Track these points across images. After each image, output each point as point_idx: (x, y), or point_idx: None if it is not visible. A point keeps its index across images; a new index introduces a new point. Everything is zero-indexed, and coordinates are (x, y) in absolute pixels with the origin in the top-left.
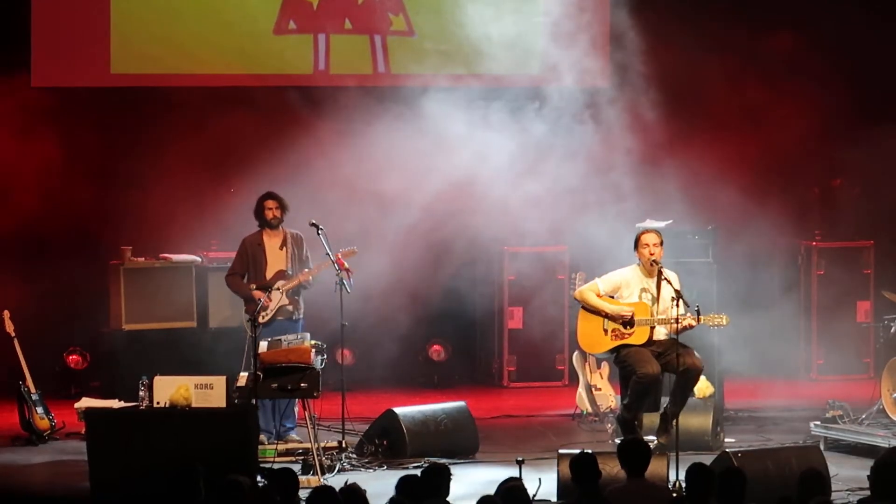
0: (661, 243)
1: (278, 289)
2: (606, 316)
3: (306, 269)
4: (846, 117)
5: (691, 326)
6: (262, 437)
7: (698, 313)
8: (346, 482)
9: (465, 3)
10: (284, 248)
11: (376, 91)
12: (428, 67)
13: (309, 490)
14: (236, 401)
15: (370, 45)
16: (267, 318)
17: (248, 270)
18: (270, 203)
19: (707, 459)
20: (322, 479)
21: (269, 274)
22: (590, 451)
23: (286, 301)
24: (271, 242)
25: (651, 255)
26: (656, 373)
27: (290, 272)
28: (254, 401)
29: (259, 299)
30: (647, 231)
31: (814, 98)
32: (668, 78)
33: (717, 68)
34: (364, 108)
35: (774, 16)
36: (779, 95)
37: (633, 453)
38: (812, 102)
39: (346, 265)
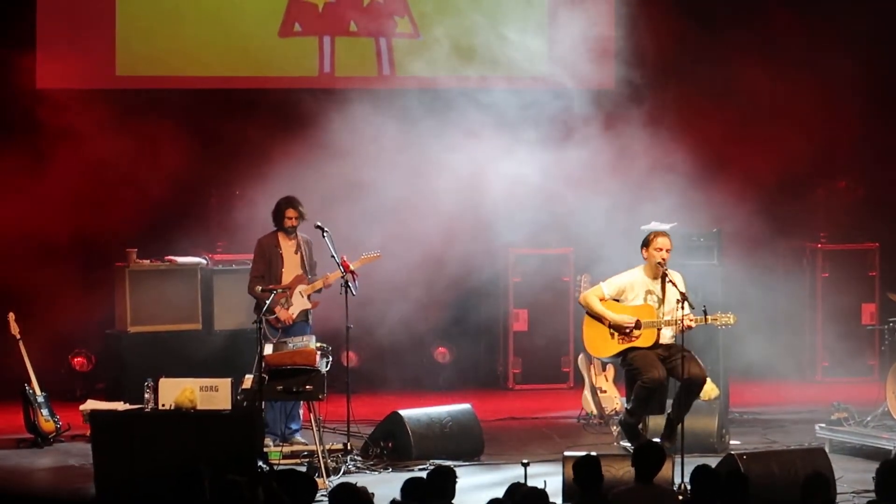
0: (672, 248)
1: (301, 293)
2: (610, 325)
3: (328, 273)
4: (851, 119)
5: (689, 328)
6: (268, 439)
7: (705, 313)
8: (355, 485)
9: (471, 5)
10: (299, 253)
11: (381, 93)
12: (433, 70)
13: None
14: (245, 403)
15: (375, 47)
16: (290, 324)
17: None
18: (291, 213)
19: (712, 462)
20: (327, 482)
21: (286, 276)
22: (594, 453)
23: (309, 304)
24: (286, 245)
25: (663, 259)
26: (662, 378)
27: (308, 276)
28: (263, 403)
29: (280, 317)
30: (661, 234)
31: (819, 99)
32: (673, 80)
33: (722, 70)
34: (369, 110)
35: (780, 16)
36: (784, 97)
37: (648, 458)
38: (817, 104)
39: (352, 268)
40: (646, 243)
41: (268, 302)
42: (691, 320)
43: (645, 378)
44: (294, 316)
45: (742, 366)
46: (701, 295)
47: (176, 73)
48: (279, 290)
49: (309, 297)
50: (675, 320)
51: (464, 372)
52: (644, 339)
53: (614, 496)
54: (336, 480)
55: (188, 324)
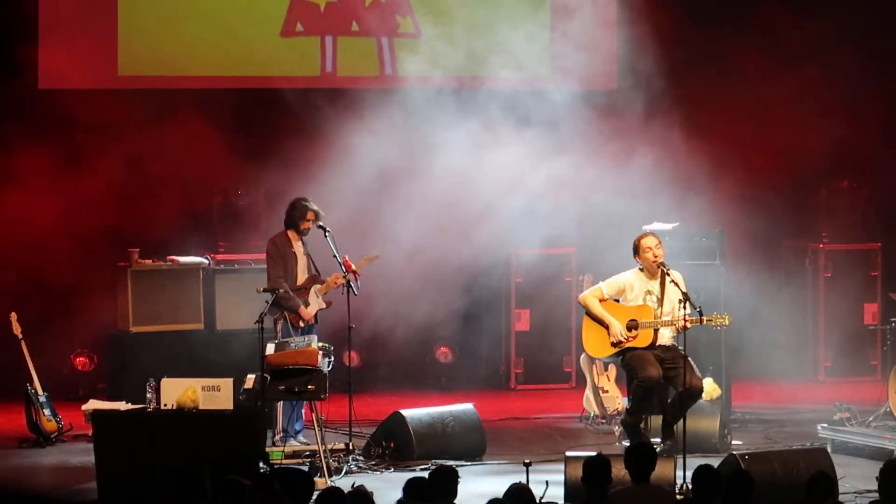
0: (660, 244)
1: (316, 293)
2: (607, 327)
3: (336, 273)
4: (855, 118)
5: (686, 328)
6: (293, 441)
7: (701, 314)
8: (353, 484)
9: (473, 5)
10: (306, 254)
11: (383, 93)
12: (435, 70)
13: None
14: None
15: (377, 47)
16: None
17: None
18: (311, 215)
19: (714, 462)
20: (329, 482)
21: (300, 277)
22: (605, 453)
23: (323, 304)
24: (297, 245)
25: (656, 257)
26: (657, 376)
27: (321, 277)
28: (279, 403)
29: (303, 317)
30: (645, 235)
31: (822, 99)
32: (675, 79)
33: (723, 69)
34: (371, 110)
35: (783, 15)
36: (786, 96)
37: (638, 458)
38: (820, 104)
39: (354, 267)
40: (635, 250)
41: (268, 302)
42: (688, 321)
43: (640, 377)
44: (313, 315)
45: (744, 365)
46: (703, 295)
47: (177, 72)
48: (281, 291)
49: (324, 296)
50: (673, 321)
51: (466, 372)
52: (641, 340)
53: (612, 496)
54: (338, 480)
55: (190, 324)
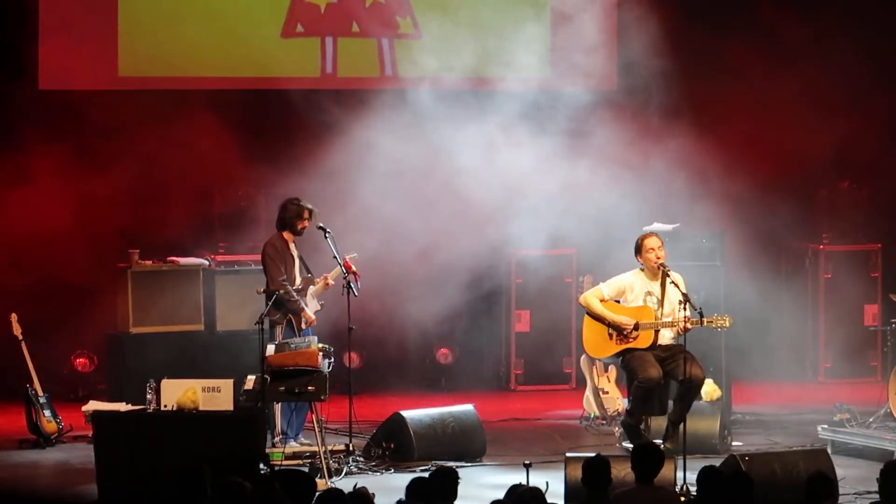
0: (663, 245)
1: (312, 295)
2: (609, 325)
3: (325, 274)
4: (855, 119)
5: (687, 329)
6: (294, 443)
7: (701, 315)
8: (355, 486)
9: (473, 5)
10: (300, 256)
11: (383, 94)
12: (435, 70)
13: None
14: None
15: (378, 47)
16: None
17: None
18: (307, 214)
19: (714, 463)
20: (329, 483)
21: (297, 279)
22: (604, 454)
23: (318, 306)
24: (292, 247)
25: (658, 258)
26: (658, 377)
27: (315, 278)
28: (278, 405)
29: (306, 319)
30: (648, 235)
31: (822, 100)
32: (675, 80)
33: (724, 71)
34: (371, 111)
35: (783, 16)
36: (786, 97)
37: (647, 459)
38: (820, 104)
39: (354, 269)
40: (638, 250)
41: (268, 305)
42: (688, 323)
43: (640, 378)
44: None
45: (744, 366)
46: (703, 296)
47: (178, 73)
48: (281, 292)
49: (319, 297)
50: (674, 322)
51: (466, 373)
52: (642, 340)
53: (615, 497)
54: (338, 481)
55: (190, 325)
